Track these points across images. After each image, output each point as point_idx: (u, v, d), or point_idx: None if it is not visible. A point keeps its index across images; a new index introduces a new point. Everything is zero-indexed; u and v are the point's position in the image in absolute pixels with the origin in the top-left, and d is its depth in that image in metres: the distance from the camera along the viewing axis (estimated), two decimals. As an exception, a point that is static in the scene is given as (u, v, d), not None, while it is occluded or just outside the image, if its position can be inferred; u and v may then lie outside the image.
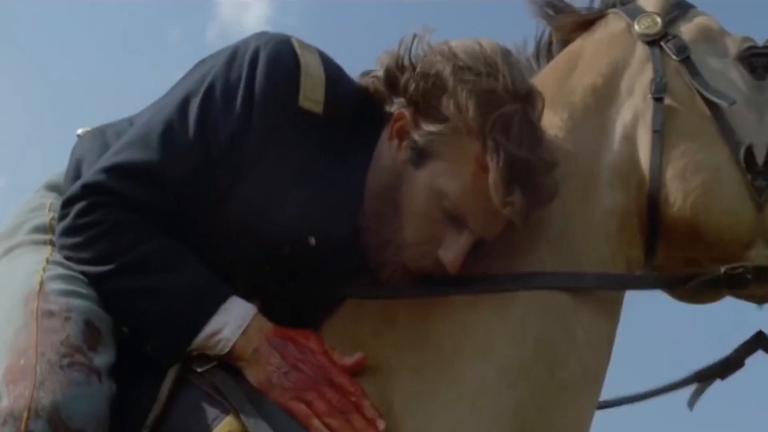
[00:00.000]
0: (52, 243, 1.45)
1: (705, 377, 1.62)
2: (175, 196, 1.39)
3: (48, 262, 1.40)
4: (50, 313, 1.32)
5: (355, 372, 1.39)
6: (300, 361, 1.37)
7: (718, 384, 1.64)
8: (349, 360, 1.39)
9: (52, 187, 1.56)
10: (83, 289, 1.37)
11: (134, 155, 1.40)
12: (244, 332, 1.38)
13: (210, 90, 1.41)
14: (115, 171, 1.39)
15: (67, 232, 1.40)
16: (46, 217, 1.50)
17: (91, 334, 1.32)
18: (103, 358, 1.31)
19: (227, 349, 1.37)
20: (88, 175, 1.41)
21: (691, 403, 1.64)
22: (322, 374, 1.36)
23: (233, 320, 1.38)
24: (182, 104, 1.42)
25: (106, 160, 1.42)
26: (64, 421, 1.21)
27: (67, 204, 1.40)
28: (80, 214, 1.38)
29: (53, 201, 1.51)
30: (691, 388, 1.63)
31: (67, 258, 1.41)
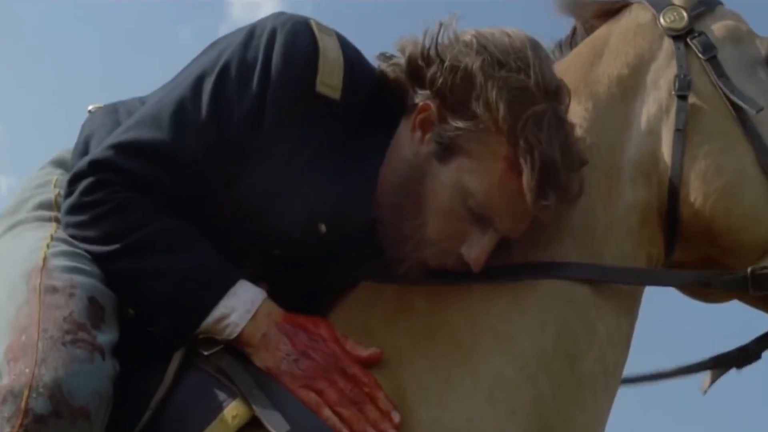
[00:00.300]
0: (57, 220, 1.41)
1: (722, 364, 1.60)
2: (185, 176, 1.36)
3: (52, 238, 1.36)
4: (53, 289, 1.28)
5: (369, 365, 1.35)
6: (311, 348, 1.33)
7: (722, 385, 1.62)
8: (363, 352, 1.35)
9: (59, 163, 1.52)
10: (88, 266, 1.33)
11: (144, 133, 1.35)
12: (252, 317, 1.34)
13: (225, 70, 1.37)
14: (123, 148, 1.35)
15: (72, 210, 1.36)
16: (51, 193, 1.46)
17: (95, 311, 1.28)
18: (106, 336, 1.27)
19: (235, 335, 1.33)
20: (96, 151, 1.37)
21: (705, 388, 1.61)
22: (334, 363, 1.33)
23: (242, 305, 1.34)
24: (196, 84, 1.37)
25: (116, 137, 1.38)
26: (66, 398, 1.16)
27: (73, 181, 1.36)
28: (86, 192, 1.34)
29: (59, 177, 1.48)
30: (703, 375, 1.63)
31: (72, 236, 1.37)
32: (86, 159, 1.36)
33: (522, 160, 1.33)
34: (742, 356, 1.58)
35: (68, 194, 1.37)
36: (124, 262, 1.34)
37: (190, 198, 1.37)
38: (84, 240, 1.35)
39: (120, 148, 1.35)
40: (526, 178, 1.33)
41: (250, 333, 1.33)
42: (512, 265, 1.43)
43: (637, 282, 1.50)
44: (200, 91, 1.36)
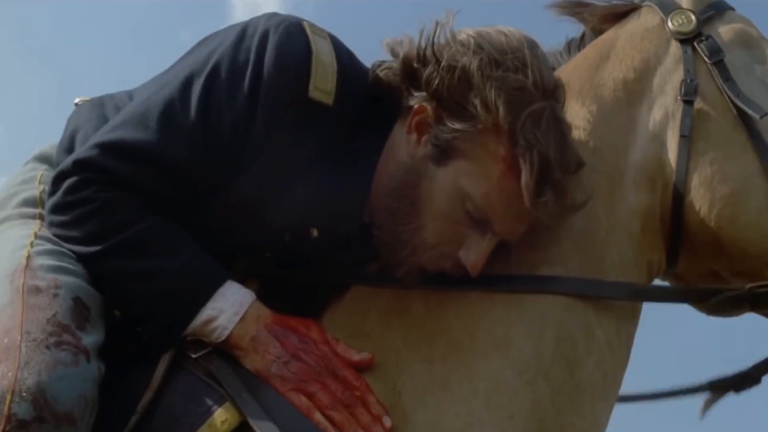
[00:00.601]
0: (41, 217, 1.37)
1: (719, 388, 1.57)
2: (171, 178, 1.32)
3: (36, 236, 1.33)
4: (37, 290, 1.24)
5: (362, 368, 1.32)
6: (301, 350, 1.31)
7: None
8: (355, 356, 1.33)
9: (44, 159, 1.49)
10: (72, 265, 1.30)
11: (130, 134, 1.32)
12: (241, 320, 1.31)
13: (215, 71, 1.34)
14: (109, 148, 1.31)
15: (56, 209, 1.33)
16: (36, 189, 1.42)
17: (79, 312, 1.24)
18: (91, 338, 1.23)
19: (223, 338, 1.31)
20: (81, 150, 1.34)
21: (703, 411, 1.58)
22: (325, 365, 1.30)
23: (230, 307, 1.31)
24: (185, 84, 1.34)
25: (101, 136, 1.34)
26: (50, 402, 1.13)
27: (57, 179, 1.33)
28: (70, 191, 1.31)
29: (44, 173, 1.44)
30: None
31: (56, 236, 1.33)
32: (71, 158, 1.33)
33: (521, 159, 1.30)
34: (740, 381, 1.55)
35: (52, 193, 1.33)
36: (108, 263, 1.31)
37: (176, 199, 1.34)
38: (68, 240, 1.32)
39: (105, 147, 1.31)
40: (525, 177, 1.30)
41: (238, 335, 1.31)
42: (509, 276, 1.41)
43: (634, 298, 1.47)
44: (189, 91, 1.33)
